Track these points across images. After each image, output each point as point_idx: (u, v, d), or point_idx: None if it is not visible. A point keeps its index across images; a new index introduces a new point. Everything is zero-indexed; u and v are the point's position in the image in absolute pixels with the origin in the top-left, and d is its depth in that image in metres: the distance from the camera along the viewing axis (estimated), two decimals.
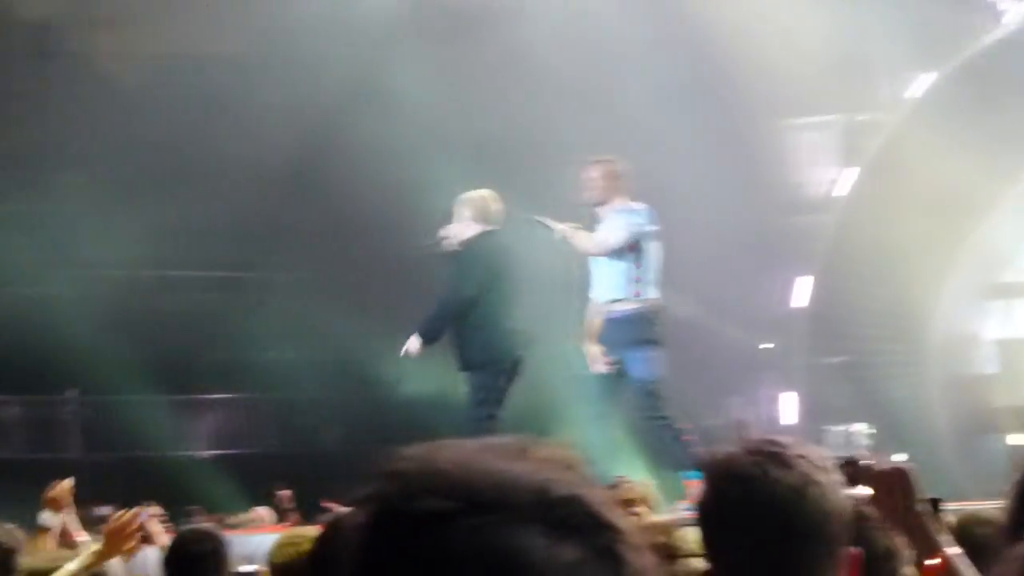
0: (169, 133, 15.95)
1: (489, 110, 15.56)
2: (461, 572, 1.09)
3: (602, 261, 9.02)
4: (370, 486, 1.14)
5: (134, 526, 5.64)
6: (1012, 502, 2.67)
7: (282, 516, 13.26)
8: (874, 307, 16.26)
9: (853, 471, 3.05)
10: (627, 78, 15.69)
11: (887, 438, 14.31)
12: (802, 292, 17.32)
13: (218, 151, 15.84)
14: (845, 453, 8.85)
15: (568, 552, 1.10)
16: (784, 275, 17.26)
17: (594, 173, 8.96)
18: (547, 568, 1.10)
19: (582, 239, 8.93)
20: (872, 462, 3.14)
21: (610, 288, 8.98)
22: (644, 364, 8.88)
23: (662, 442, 9.10)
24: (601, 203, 8.95)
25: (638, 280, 9.04)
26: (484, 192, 9.25)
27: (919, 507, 3.11)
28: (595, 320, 9.10)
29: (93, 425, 18.23)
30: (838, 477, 2.33)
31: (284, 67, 16.51)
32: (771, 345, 17.29)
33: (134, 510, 5.75)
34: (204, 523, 10.22)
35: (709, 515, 2.29)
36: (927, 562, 3.04)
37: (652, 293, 8.91)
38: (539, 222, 9.19)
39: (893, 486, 3.10)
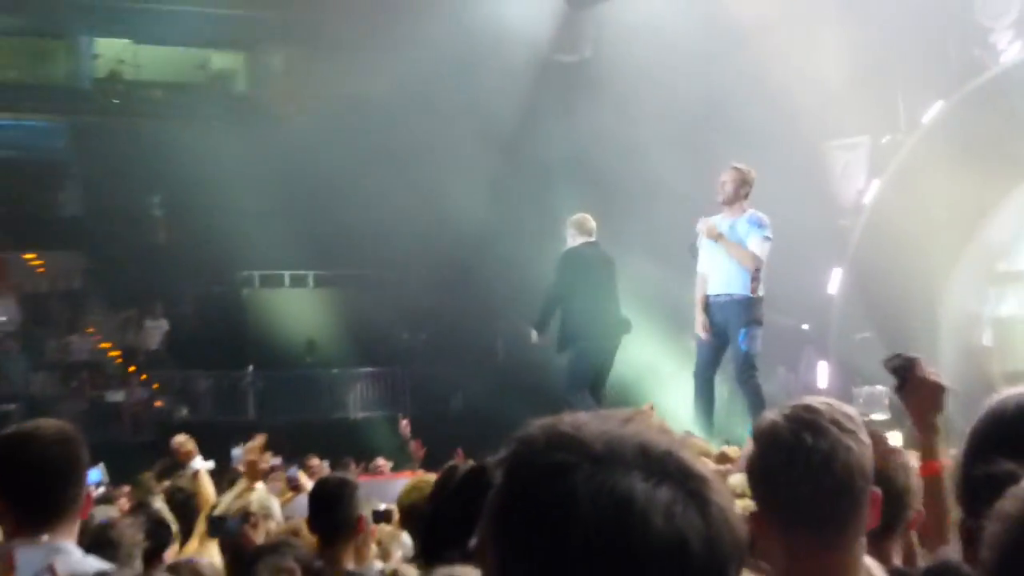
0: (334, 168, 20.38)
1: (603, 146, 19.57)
2: (581, 509, 1.31)
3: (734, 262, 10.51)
4: (508, 445, 1.41)
5: (261, 454, 6.84)
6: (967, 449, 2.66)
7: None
8: (894, 293, 19.43)
9: (907, 365, 3.75)
10: (710, 117, 19.53)
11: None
12: (835, 281, 20.53)
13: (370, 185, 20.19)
14: (867, 410, 12.75)
15: (664, 493, 1.33)
16: (822, 268, 20.48)
17: (726, 177, 10.46)
18: (648, 506, 1.32)
19: (743, 255, 10.30)
20: (924, 366, 3.78)
21: (735, 282, 10.48)
22: (752, 340, 10.35)
23: (753, 402, 10.46)
24: (730, 203, 10.41)
25: (755, 279, 10.52)
26: (582, 214, 11.26)
27: (937, 420, 3.70)
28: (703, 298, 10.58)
29: (265, 393, 22.33)
30: (864, 437, 2.64)
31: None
32: (807, 326, 20.67)
33: (259, 438, 7.10)
34: (349, 471, 13.58)
35: (756, 473, 2.65)
36: (926, 463, 3.61)
37: (762, 288, 10.46)
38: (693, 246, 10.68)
39: (929, 392, 3.71)
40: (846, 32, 19.95)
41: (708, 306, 10.63)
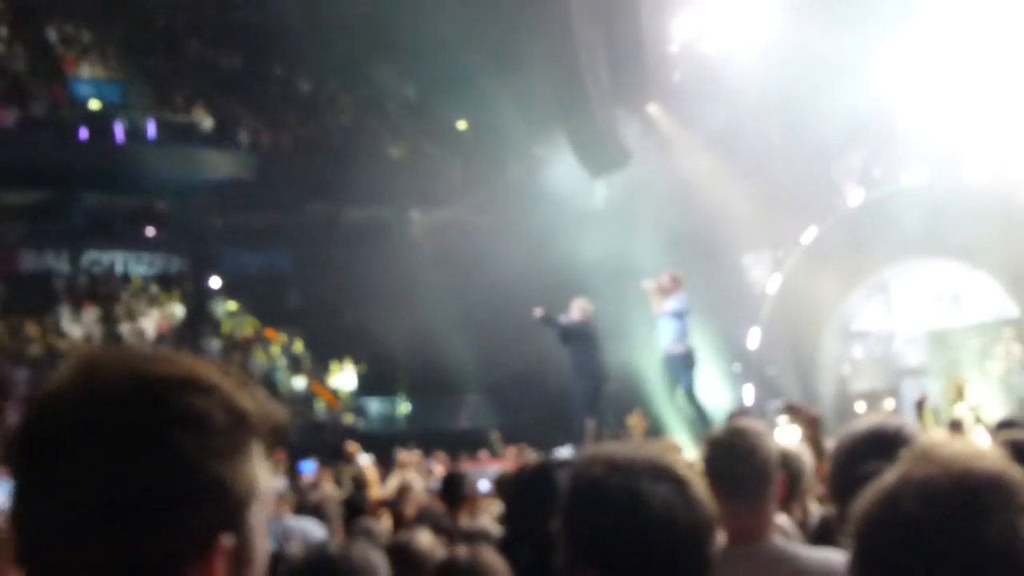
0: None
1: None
2: (612, 501, 1.89)
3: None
4: (572, 466, 2.03)
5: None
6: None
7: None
8: (790, 343, 27.40)
9: (793, 409, 6.07)
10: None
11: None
12: (753, 337, 28.22)
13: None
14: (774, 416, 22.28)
15: (663, 490, 1.84)
16: (744, 329, 28.45)
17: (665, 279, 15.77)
18: (652, 497, 1.84)
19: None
20: (802, 406, 6.06)
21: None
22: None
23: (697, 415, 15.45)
24: (667, 293, 15.64)
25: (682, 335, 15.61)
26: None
27: (816, 431, 5.50)
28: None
29: (411, 412, 33.49)
30: (772, 441, 3.71)
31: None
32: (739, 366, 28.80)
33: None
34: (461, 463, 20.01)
35: (708, 465, 3.62)
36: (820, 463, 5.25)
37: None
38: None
39: (810, 418, 5.74)
40: (749, 175, 27.15)
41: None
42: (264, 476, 1.46)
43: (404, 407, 33.42)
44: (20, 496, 1.38)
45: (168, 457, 1.34)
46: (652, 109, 30.91)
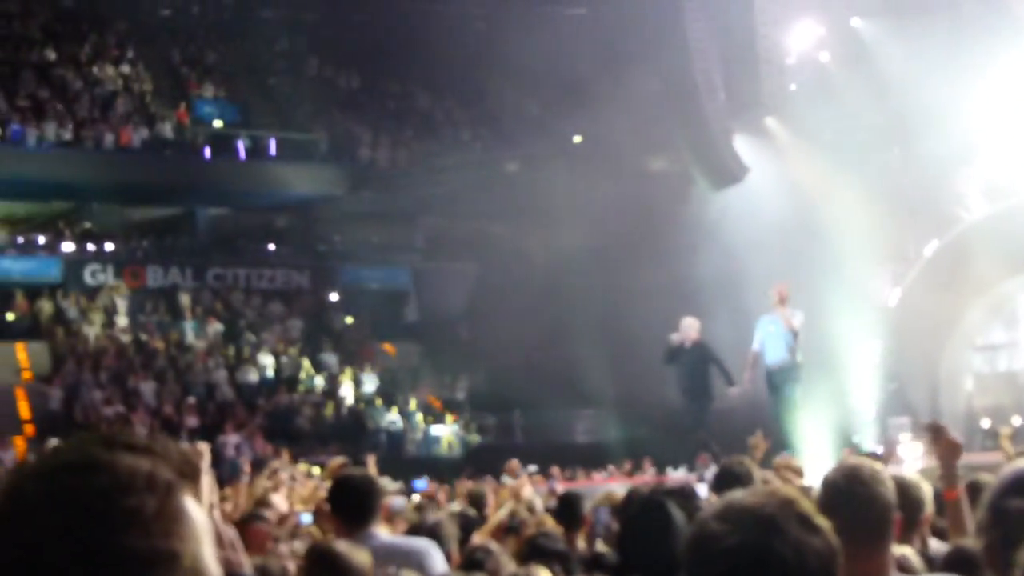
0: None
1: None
2: (736, 560, 1.88)
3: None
4: (694, 522, 2.00)
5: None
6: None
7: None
8: (912, 357, 27.07)
9: (938, 428, 5.12)
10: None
11: None
12: (875, 351, 27.44)
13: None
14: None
15: (777, 544, 1.85)
16: (865, 345, 28.34)
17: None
18: (781, 553, 1.85)
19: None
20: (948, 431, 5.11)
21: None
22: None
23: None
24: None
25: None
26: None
27: (954, 458, 5.00)
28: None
29: (526, 427, 33.52)
30: (890, 483, 3.67)
31: None
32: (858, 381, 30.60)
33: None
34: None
35: (826, 508, 2.90)
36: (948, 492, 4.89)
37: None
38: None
39: (951, 447, 5.05)
40: (868, 188, 27.17)
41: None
42: (200, 517, 1.47)
43: (520, 421, 33.57)
44: None
45: (122, 560, 1.37)
46: (769, 122, 30.62)
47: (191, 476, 1.48)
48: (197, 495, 1.49)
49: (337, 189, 36.97)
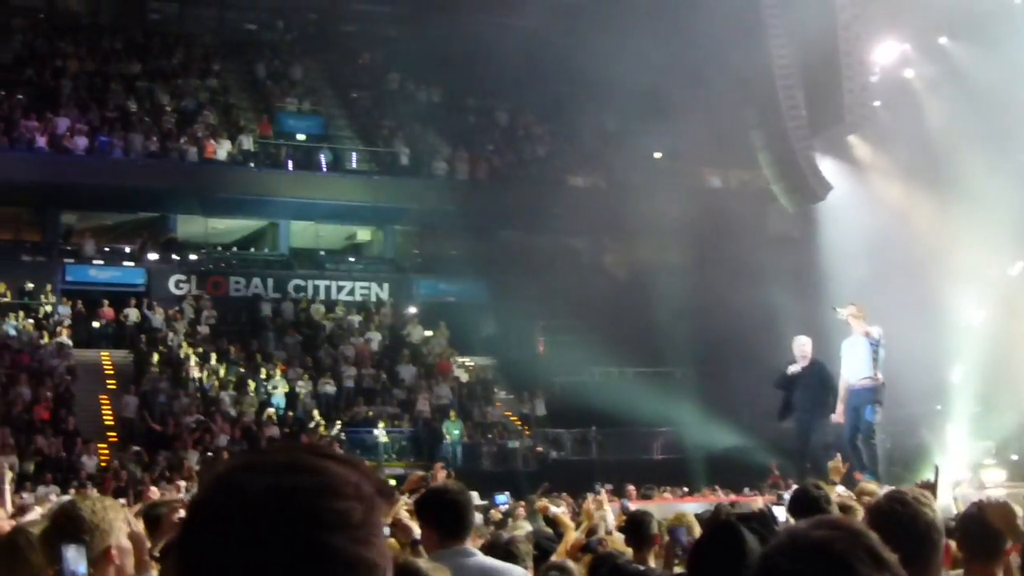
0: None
1: None
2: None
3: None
4: (766, 554, 1.93)
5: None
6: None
7: None
8: (995, 380, 28.46)
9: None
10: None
11: None
12: (956, 373, 27.26)
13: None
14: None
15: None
16: (945, 364, 28.83)
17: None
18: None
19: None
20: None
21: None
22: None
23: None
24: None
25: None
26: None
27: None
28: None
29: (602, 443, 33.75)
30: (934, 507, 3.61)
31: None
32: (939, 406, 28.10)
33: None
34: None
35: (872, 522, 3.54)
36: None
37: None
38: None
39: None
40: (953, 206, 27.35)
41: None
42: (386, 542, 1.60)
43: (596, 437, 33.26)
44: None
45: (329, 557, 1.47)
46: (852, 140, 30.43)
47: (388, 497, 1.60)
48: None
49: (416, 203, 37.06)
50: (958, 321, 29.25)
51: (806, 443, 15.39)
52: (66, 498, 8.89)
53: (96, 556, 3.86)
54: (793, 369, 15.23)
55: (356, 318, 37.10)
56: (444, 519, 5.26)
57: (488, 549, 5.99)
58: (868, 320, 15.07)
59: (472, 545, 6.21)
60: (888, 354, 15.45)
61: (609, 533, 8.32)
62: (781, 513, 7.47)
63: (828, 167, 30.78)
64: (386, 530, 6.38)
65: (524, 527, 9.65)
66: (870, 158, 30.88)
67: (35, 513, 9.05)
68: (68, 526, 3.86)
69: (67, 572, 3.54)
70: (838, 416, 14.77)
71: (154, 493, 11.69)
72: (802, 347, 15.33)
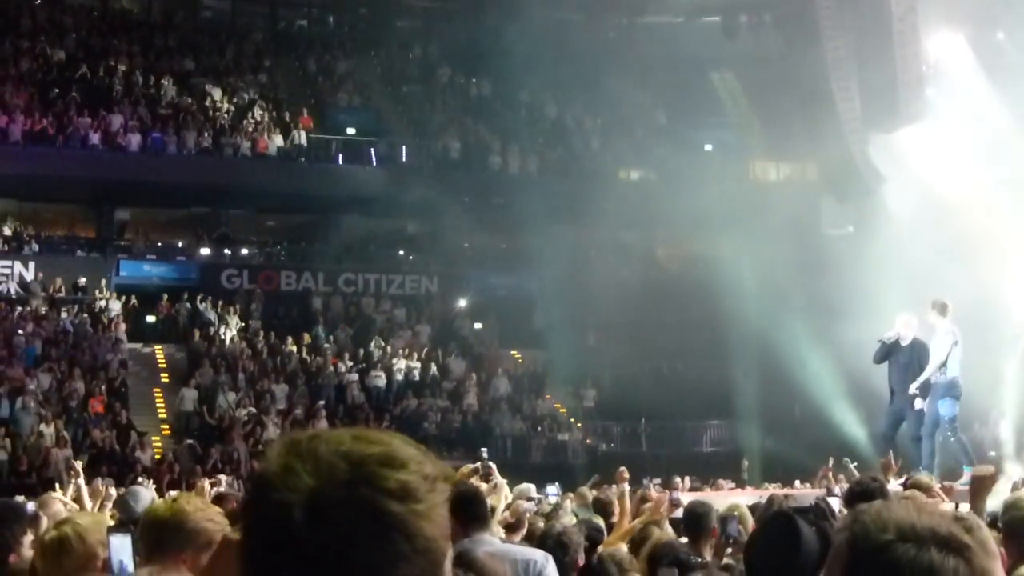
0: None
1: None
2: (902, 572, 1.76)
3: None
4: (848, 524, 1.87)
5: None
6: None
7: None
8: None
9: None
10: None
11: None
12: (1011, 366, 28.45)
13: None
14: None
15: (950, 562, 1.77)
16: (1001, 358, 29.24)
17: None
18: (943, 571, 1.76)
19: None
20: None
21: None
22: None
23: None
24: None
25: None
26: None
27: None
28: None
29: (651, 435, 33.68)
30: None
31: None
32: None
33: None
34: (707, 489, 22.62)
35: None
36: None
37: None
38: None
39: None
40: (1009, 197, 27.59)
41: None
42: (448, 524, 1.61)
43: (645, 429, 33.36)
44: (254, 570, 1.55)
45: (390, 524, 1.51)
46: (905, 132, 30.15)
47: (450, 482, 1.67)
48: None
49: (467, 196, 37.14)
50: (1012, 314, 29.12)
51: (894, 427, 14.91)
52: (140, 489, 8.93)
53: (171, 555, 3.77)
54: (889, 336, 14.63)
55: (406, 311, 37.17)
56: (466, 511, 5.55)
57: (540, 539, 6.04)
58: (945, 315, 14.58)
59: (516, 536, 6.26)
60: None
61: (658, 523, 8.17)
62: (836, 504, 7.42)
63: (882, 160, 30.53)
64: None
65: (571, 518, 9.59)
66: (924, 150, 30.58)
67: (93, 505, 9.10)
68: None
69: (115, 561, 3.53)
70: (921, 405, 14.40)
71: (204, 483, 11.73)
72: (903, 325, 14.61)
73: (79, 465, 10.84)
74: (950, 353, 14.18)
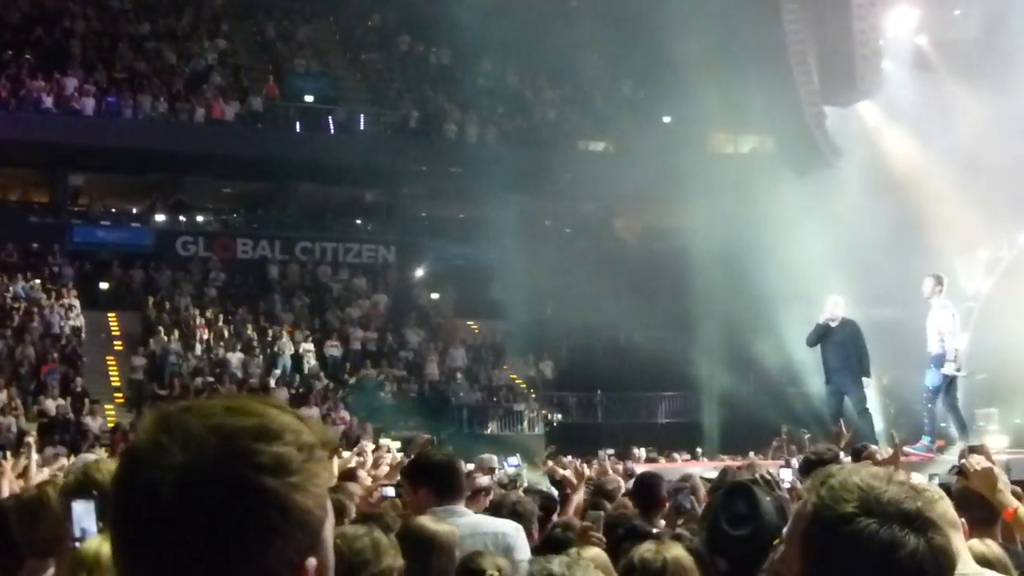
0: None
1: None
2: (864, 546, 1.82)
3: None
4: (815, 487, 1.92)
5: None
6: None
7: None
8: (1000, 347, 28.13)
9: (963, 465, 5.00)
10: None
11: None
12: (963, 340, 29.73)
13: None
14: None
15: (911, 539, 1.82)
16: None
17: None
18: (898, 549, 1.82)
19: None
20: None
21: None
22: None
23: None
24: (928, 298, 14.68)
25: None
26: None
27: (989, 487, 4.83)
28: None
29: (607, 407, 34.02)
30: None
31: None
32: None
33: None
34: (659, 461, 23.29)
35: None
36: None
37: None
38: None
39: (989, 475, 4.84)
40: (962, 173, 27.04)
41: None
42: (327, 493, 1.58)
43: (602, 401, 33.58)
44: (124, 550, 1.51)
45: (262, 499, 1.48)
46: (862, 106, 30.26)
47: (330, 449, 1.62)
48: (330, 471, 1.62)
49: (426, 165, 36.99)
50: (965, 288, 29.35)
51: (839, 403, 15.34)
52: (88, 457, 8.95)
53: None
54: (824, 319, 15.28)
55: (363, 280, 37.07)
56: (439, 481, 5.47)
57: (495, 509, 6.05)
58: (941, 289, 15.30)
59: (479, 506, 6.24)
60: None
61: (611, 495, 8.38)
62: (787, 476, 7.48)
63: (839, 133, 30.62)
64: (391, 491, 6.34)
65: (530, 488, 9.63)
66: (881, 124, 30.73)
67: (44, 475, 9.14)
68: (98, 480, 3.81)
69: (76, 528, 3.47)
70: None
71: None
72: (833, 306, 15.33)
73: (31, 439, 10.81)
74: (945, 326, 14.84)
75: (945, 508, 1.97)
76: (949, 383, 15.16)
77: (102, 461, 4.16)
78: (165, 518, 1.45)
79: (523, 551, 5.28)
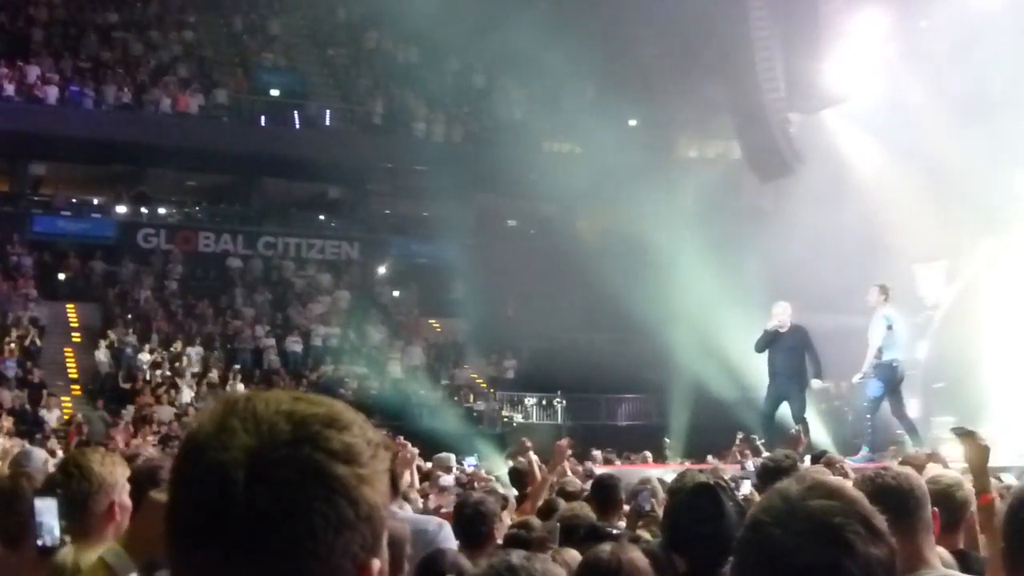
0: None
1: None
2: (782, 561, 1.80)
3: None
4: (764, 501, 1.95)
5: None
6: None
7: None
8: (959, 358, 28.86)
9: (966, 434, 5.27)
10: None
11: None
12: (922, 350, 26.59)
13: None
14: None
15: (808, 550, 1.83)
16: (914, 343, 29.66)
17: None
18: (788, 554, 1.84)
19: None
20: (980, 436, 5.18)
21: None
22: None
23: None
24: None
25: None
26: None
27: (981, 462, 5.09)
28: None
29: (568, 407, 33.80)
30: (917, 476, 3.70)
31: None
32: None
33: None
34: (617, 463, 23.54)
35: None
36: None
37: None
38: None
39: (981, 452, 5.13)
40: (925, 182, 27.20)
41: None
42: (388, 495, 1.56)
43: (562, 402, 33.48)
44: (187, 538, 1.46)
45: (333, 486, 1.45)
46: (826, 114, 30.45)
47: (390, 450, 1.62)
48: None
49: (391, 162, 36.89)
50: (925, 298, 29.58)
51: (774, 408, 15.46)
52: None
53: (100, 511, 3.92)
54: (772, 326, 15.33)
55: (326, 276, 36.94)
56: None
57: (457, 508, 6.05)
58: (885, 299, 15.32)
59: (443, 504, 6.25)
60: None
61: (569, 495, 8.29)
62: (746, 487, 7.50)
63: (803, 140, 30.81)
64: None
65: (491, 488, 9.67)
66: (846, 132, 30.93)
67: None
68: (76, 475, 3.92)
69: (41, 527, 3.40)
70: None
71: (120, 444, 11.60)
72: (780, 313, 15.39)
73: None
74: (885, 337, 14.75)
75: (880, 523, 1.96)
76: (892, 391, 15.15)
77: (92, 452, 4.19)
78: (234, 501, 1.41)
79: (449, 545, 5.41)
